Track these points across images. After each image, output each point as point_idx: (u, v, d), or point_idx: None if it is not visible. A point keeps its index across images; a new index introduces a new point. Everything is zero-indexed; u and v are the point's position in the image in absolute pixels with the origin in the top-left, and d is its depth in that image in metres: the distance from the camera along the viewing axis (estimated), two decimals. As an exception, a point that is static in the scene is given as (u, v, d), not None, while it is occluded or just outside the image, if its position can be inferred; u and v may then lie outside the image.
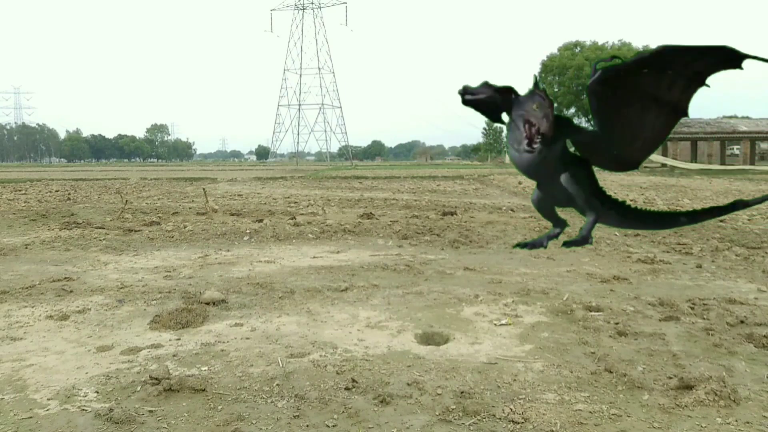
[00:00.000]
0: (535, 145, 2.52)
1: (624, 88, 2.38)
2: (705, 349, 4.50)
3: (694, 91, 2.40)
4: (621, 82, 2.39)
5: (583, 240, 2.77)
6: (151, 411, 3.47)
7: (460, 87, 2.67)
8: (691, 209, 2.73)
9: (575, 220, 2.69)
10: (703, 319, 5.28)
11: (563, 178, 2.63)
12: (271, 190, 24.50)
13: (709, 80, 2.34)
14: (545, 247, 3.02)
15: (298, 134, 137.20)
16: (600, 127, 2.49)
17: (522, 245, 3.12)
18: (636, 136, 2.44)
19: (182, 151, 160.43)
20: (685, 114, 2.43)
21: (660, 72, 2.29)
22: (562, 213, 2.85)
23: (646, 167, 42.66)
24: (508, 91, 2.60)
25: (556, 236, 2.96)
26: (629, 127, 2.44)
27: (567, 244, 2.88)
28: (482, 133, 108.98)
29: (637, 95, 2.36)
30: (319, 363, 4.22)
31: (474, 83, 2.72)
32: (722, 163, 52.84)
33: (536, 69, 55.48)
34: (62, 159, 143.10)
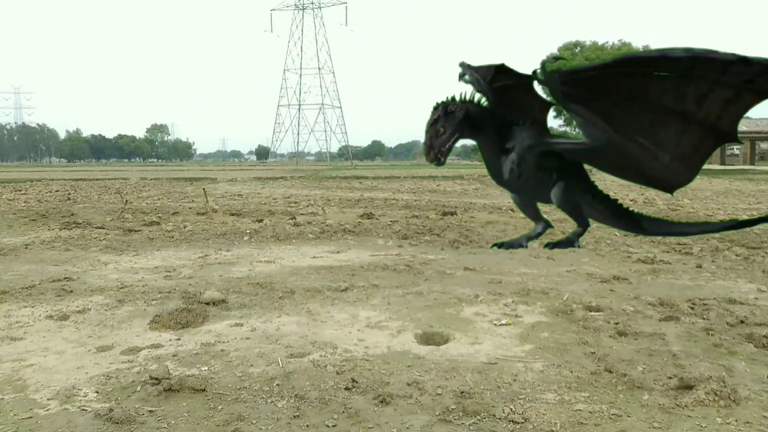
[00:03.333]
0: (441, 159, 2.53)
1: (608, 94, 2.11)
2: (705, 349, 4.50)
3: (743, 109, 2.03)
4: (598, 86, 2.12)
5: (568, 243, 2.75)
6: (151, 411, 3.47)
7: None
8: (685, 221, 2.69)
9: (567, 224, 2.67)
10: (703, 319, 5.28)
11: (552, 190, 2.60)
12: (271, 190, 24.50)
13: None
14: (525, 247, 3.01)
15: (298, 134, 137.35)
16: (588, 136, 2.34)
17: (499, 245, 3.10)
18: (654, 151, 2.14)
19: (182, 151, 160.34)
20: (733, 138, 2.10)
21: (680, 82, 1.98)
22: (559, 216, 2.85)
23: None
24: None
25: (537, 236, 2.94)
26: (633, 139, 2.15)
27: (550, 245, 2.86)
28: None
29: (640, 105, 2.07)
30: (319, 363, 4.22)
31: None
32: (722, 163, 52.82)
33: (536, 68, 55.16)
34: (62, 159, 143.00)
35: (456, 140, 2.63)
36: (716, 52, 1.88)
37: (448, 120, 2.60)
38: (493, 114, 2.65)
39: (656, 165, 2.22)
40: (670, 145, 2.14)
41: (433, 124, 2.63)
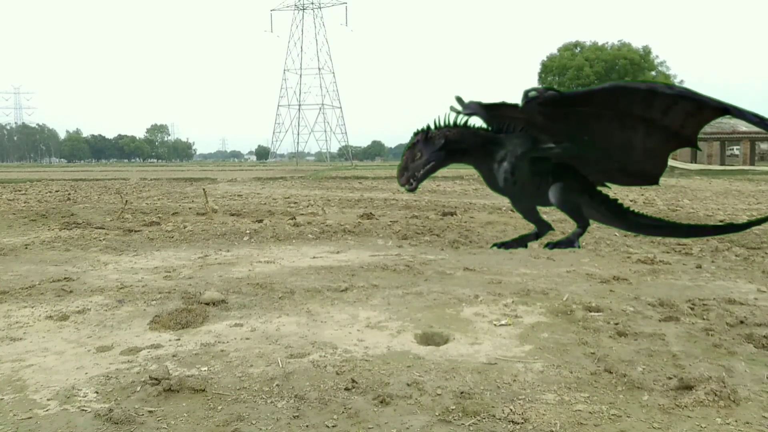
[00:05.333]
0: (412, 184, 2.55)
1: (586, 106, 2.28)
2: (705, 349, 4.50)
3: (703, 122, 2.21)
4: (578, 102, 2.31)
5: (568, 243, 2.75)
6: (151, 411, 3.47)
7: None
8: (687, 224, 2.71)
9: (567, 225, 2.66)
10: (703, 319, 5.28)
11: (550, 191, 2.62)
12: (271, 191, 24.50)
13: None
14: (525, 247, 3.01)
15: (298, 134, 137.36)
16: (569, 141, 2.44)
17: (499, 245, 3.11)
18: (627, 150, 2.32)
19: (182, 151, 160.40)
20: (692, 145, 2.28)
21: (650, 95, 2.17)
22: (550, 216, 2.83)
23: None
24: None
25: (536, 238, 2.94)
26: (608, 142, 2.33)
27: (550, 245, 2.86)
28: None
29: (611, 113, 2.25)
30: (319, 363, 4.22)
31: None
32: (722, 164, 52.78)
33: (536, 69, 55.37)
34: (62, 159, 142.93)
35: (432, 169, 2.64)
36: (698, 95, 2.05)
37: (427, 146, 2.61)
38: (475, 133, 2.67)
39: (633, 159, 2.38)
40: (639, 144, 2.30)
41: (410, 148, 2.64)
